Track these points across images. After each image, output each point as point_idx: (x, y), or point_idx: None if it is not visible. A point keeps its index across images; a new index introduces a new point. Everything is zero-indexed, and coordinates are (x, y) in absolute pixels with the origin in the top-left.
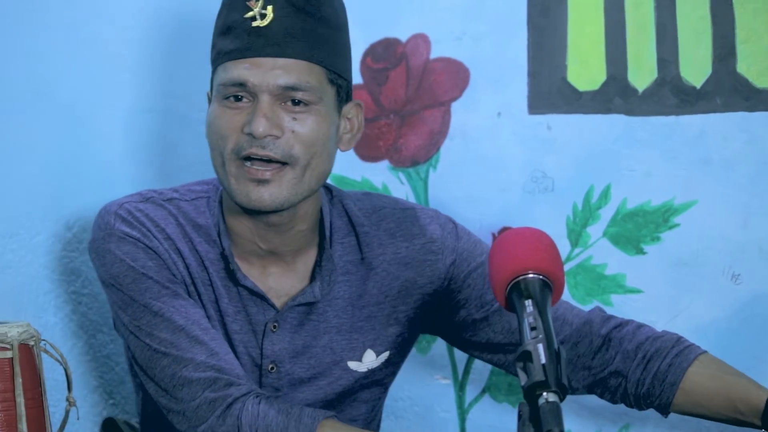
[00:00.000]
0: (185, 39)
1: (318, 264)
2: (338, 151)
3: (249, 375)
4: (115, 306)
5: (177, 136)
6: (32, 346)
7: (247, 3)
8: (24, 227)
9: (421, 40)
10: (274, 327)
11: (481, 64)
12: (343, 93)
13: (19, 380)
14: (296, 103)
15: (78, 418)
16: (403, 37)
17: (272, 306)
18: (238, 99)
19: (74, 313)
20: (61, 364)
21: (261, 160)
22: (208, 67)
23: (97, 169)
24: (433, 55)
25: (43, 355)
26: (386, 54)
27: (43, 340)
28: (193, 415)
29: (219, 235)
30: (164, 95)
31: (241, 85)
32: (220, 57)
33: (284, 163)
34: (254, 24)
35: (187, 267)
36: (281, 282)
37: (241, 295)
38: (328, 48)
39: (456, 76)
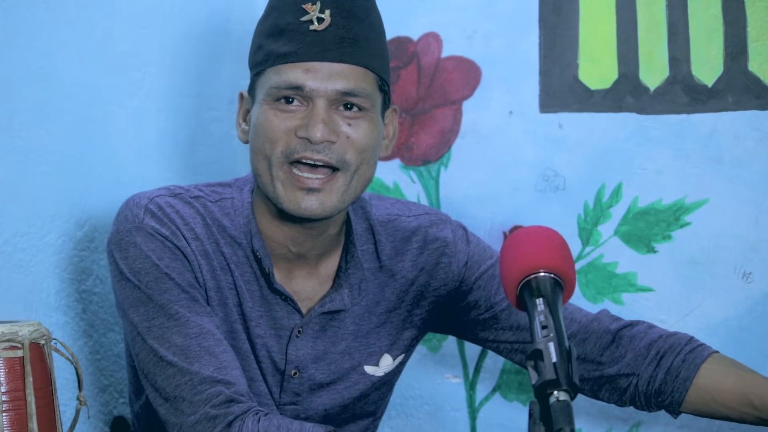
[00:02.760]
0: (197, 38)
1: (344, 270)
2: None
3: (270, 379)
4: (126, 303)
5: (188, 135)
6: (43, 345)
7: (303, 6)
8: (35, 226)
9: (432, 38)
10: (299, 332)
11: (493, 62)
12: (387, 99)
13: (29, 379)
14: (349, 108)
15: (89, 417)
16: (415, 36)
17: (298, 311)
18: (288, 101)
19: (85, 312)
20: (72, 363)
21: (309, 165)
22: (219, 67)
23: (109, 168)
24: (444, 54)
25: (54, 354)
26: (398, 52)
27: (54, 339)
28: (190, 429)
29: (251, 238)
30: (176, 94)
31: (297, 88)
32: (271, 59)
33: (335, 169)
34: (311, 28)
35: (212, 269)
36: (304, 285)
37: (266, 299)
38: (378, 54)
39: (467, 75)
